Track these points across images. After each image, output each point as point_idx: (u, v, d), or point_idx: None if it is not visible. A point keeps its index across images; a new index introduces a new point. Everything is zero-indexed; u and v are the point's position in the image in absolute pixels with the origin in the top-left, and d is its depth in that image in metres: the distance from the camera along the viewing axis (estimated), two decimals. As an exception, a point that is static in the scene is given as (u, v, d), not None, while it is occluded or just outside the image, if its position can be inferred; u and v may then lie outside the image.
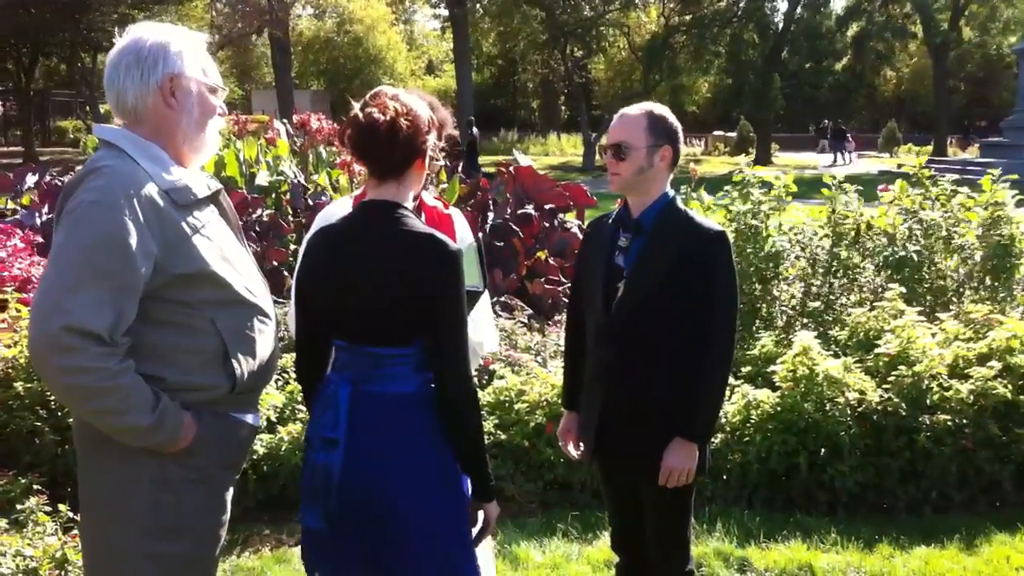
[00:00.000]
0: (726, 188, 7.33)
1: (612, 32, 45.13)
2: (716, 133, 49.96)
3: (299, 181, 9.18)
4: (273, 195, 9.22)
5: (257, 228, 8.11)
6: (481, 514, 2.88)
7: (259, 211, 8.42)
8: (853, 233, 7.20)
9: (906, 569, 4.66)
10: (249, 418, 2.87)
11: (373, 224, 2.77)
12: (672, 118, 3.40)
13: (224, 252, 2.76)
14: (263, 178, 9.65)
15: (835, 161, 40.80)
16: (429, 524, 2.73)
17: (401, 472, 2.71)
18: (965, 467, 5.49)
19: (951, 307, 6.87)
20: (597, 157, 37.14)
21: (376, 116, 2.69)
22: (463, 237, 3.58)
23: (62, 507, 4.62)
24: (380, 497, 2.70)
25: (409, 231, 2.73)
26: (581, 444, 3.61)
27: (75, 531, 4.52)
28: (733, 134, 47.57)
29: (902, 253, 6.92)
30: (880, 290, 6.87)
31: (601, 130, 40.41)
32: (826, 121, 46.65)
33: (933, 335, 6.01)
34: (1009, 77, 54.95)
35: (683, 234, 3.33)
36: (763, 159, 41.89)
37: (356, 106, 2.79)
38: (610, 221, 3.52)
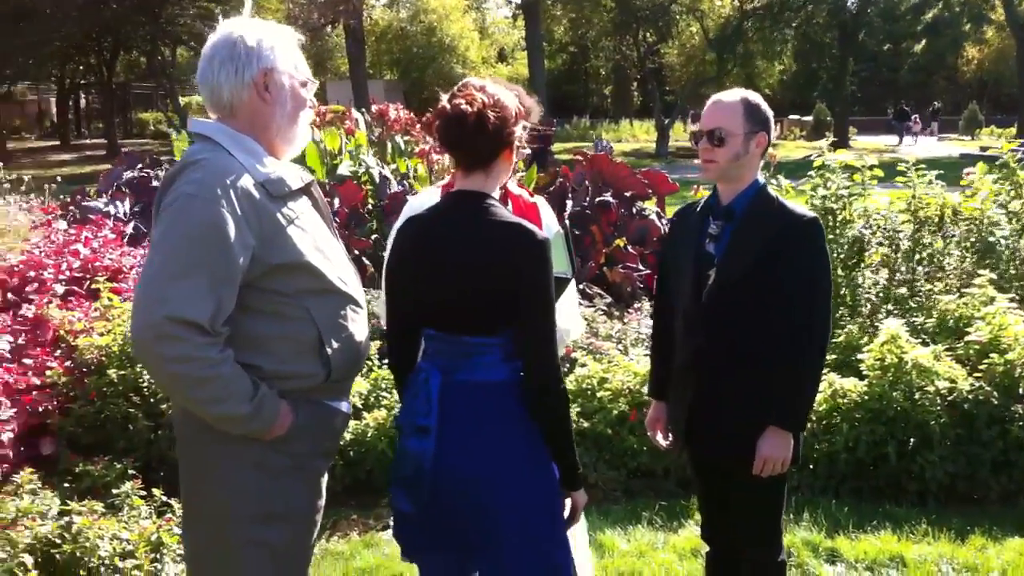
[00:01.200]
0: (809, 173, 7.23)
1: (685, 17, 44.70)
2: (791, 117, 49.26)
3: (382, 172, 9.23)
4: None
5: (338, 218, 8.19)
6: (569, 502, 2.89)
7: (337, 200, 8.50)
8: (937, 218, 7.05)
9: (1000, 561, 4.57)
10: (343, 406, 2.92)
11: (462, 214, 2.79)
12: (765, 105, 3.37)
13: (318, 242, 2.80)
14: (345, 168, 9.73)
15: (900, 143, 40.06)
16: (521, 512, 2.74)
17: (493, 460, 2.73)
18: (1061, 458, 5.37)
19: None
20: (673, 142, 36.92)
21: (464, 107, 2.71)
22: (549, 225, 3.59)
23: (156, 491, 4.74)
24: (472, 485, 2.73)
25: (498, 220, 2.74)
26: (670, 434, 3.60)
27: (169, 515, 4.63)
28: (809, 118, 46.92)
29: (991, 239, 6.77)
30: (966, 277, 6.73)
31: (674, 116, 40.11)
32: (902, 103, 45.80)
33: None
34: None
35: (776, 221, 3.29)
36: (841, 143, 41.20)
37: (444, 98, 2.81)
38: (698, 209, 3.49)
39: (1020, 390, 5.48)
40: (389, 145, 10.47)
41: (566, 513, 2.89)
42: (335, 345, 2.77)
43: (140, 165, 11.39)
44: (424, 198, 3.68)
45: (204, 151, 2.70)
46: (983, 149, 32.22)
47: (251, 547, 2.73)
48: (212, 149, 2.71)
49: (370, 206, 9.17)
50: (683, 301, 3.43)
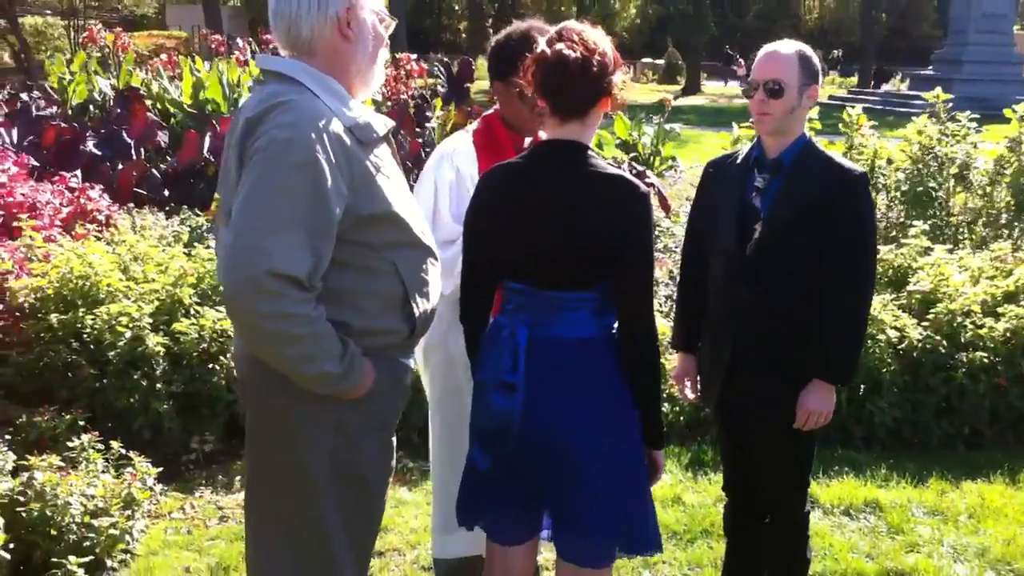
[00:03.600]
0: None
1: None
2: (644, 60, 49.89)
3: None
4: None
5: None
6: (652, 460, 2.85)
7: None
8: (868, 168, 7.24)
9: (966, 504, 4.76)
10: (411, 362, 2.79)
11: (560, 164, 2.67)
12: (816, 57, 3.34)
13: (402, 192, 2.64)
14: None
15: (726, 86, 40.97)
16: (607, 468, 2.70)
17: (581, 417, 2.67)
18: (997, 403, 5.61)
19: (961, 243, 6.99)
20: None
21: (566, 52, 2.58)
22: None
23: (115, 444, 4.48)
24: (560, 441, 2.67)
25: (600, 172, 2.64)
26: (699, 386, 3.59)
27: (130, 469, 4.39)
28: (661, 61, 47.55)
29: (919, 188, 6.98)
30: (898, 229, 6.95)
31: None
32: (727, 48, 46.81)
33: (960, 272, 6.10)
34: (930, 9, 56.00)
35: (826, 175, 3.26)
36: (692, 88, 42.06)
37: (541, 42, 2.68)
38: (737, 161, 3.44)
39: (962, 338, 5.69)
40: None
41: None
42: (419, 299, 2.63)
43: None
44: (456, 144, 3.53)
45: (290, 92, 2.48)
46: (829, 97, 33.61)
47: (327, 507, 2.60)
48: (296, 90, 2.49)
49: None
50: (724, 253, 3.38)
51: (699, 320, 3.55)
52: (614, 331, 2.73)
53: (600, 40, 2.66)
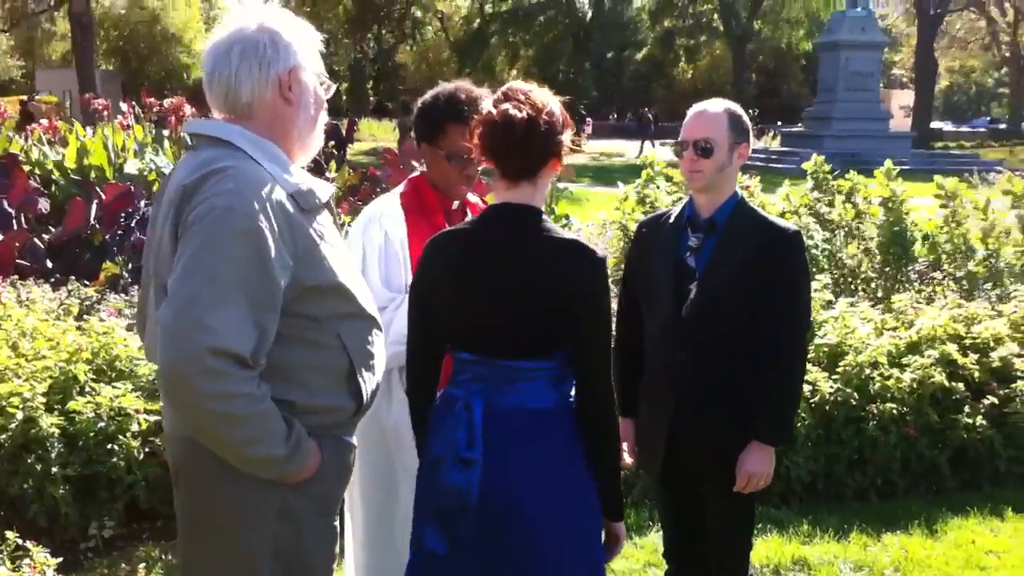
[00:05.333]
0: (636, 180, 7.40)
1: (428, 16, 44.93)
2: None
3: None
4: (155, 186, 8.65)
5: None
6: (612, 532, 2.76)
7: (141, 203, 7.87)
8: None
9: (889, 558, 4.77)
10: (354, 440, 2.65)
11: (512, 229, 2.58)
12: (745, 116, 3.34)
13: (345, 261, 2.52)
14: (132, 167, 9.03)
15: (641, 151, 41.80)
16: (569, 544, 2.60)
17: (541, 491, 2.56)
18: (908, 453, 5.68)
19: (857, 296, 7.13)
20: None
21: (512, 113, 2.51)
22: None
23: (10, 534, 4.18)
24: (519, 516, 2.55)
25: (554, 237, 2.56)
26: (638, 451, 3.51)
27: (28, 560, 4.09)
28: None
29: (811, 244, 7.14)
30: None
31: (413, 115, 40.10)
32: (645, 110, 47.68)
33: (863, 324, 6.19)
34: (797, 69, 58.19)
35: (759, 233, 3.26)
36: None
37: (486, 103, 2.60)
38: (670, 221, 3.41)
39: (871, 390, 5.75)
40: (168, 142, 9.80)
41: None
42: (365, 375, 2.50)
43: None
44: (383, 207, 3.42)
45: (226, 157, 2.35)
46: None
47: None
48: (234, 155, 2.36)
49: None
50: (660, 315, 3.34)
51: (636, 383, 3.48)
52: (572, 400, 2.63)
53: (548, 100, 2.59)
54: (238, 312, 2.18)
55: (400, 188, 3.51)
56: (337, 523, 2.62)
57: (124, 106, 11.22)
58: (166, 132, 10.66)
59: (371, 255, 3.33)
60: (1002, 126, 54.25)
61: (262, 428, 2.24)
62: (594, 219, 8.86)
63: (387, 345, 2.91)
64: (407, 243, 3.35)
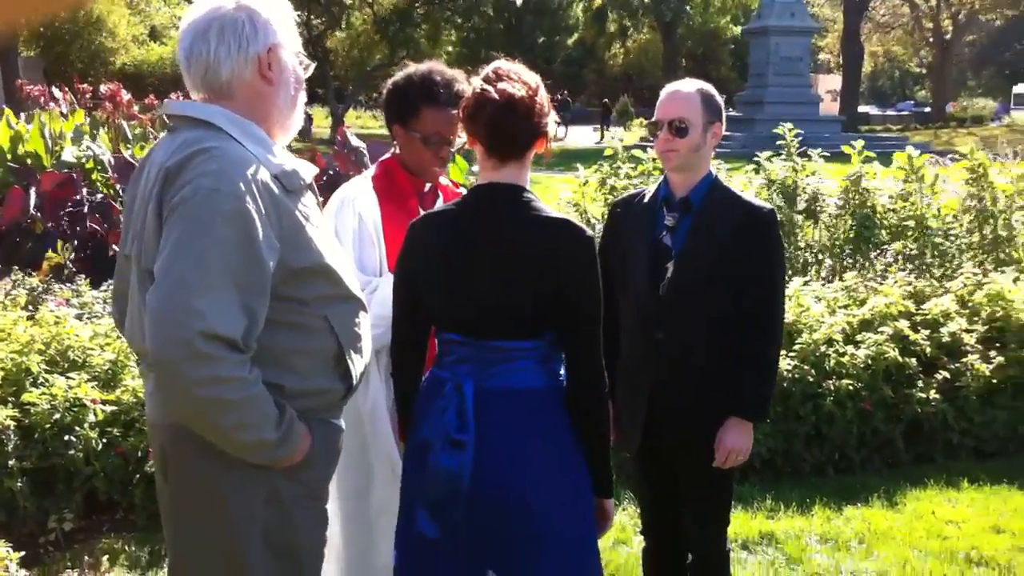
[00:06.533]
0: (600, 162, 7.38)
1: (356, 1, 44.48)
2: (458, 106, 50.17)
3: (122, 157, 8.43)
4: (94, 173, 8.44)
5: (96, 211, 7.40)
6: (602, 509, 2.75)
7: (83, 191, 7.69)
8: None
9: (852, 530, 4.85)
10: (342, 423, 2.61)
11: (501, 209, 2.55)
12: (718, 95, 3.35)
13: (330, 243, 2.48)
14: (69, 154, 8.81)
15: (602, 138, 41.82)
16: (562, 523, 2.58)
17: (534, 471, 2.55)
18: (863, 428, 5.77)
19: (810, 275, 7.22)
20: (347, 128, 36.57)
21: (511, 91, 2.49)
22: None
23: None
24: (514, 498, 2.53)
25: (543, 216, 2.53)
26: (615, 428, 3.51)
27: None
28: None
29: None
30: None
31: (347, 102, 39.76)
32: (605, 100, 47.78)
33: (817, 303, 6.28)
34: (726, 54, 58.70)
35: (734, 212, 3.27)
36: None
37: (476, 81, 2.56)
38: (645, 201, 3.41)
39: (827, 367, 5.83)
40: (128, 129, 9.58)
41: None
42: (354, 356, 2.46)
43: None
44: (354, 190, 3.36)
45: (208, 138, 2.29)
46: (642, 139, 34.65)
47: None
48: (217, 136, 2.30)
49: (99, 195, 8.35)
50: (636, 295, 3.34)
51: (612, 363, 3.47)
52: (561, 379, 2.62)
53: (536, 79, 2.58)
54: (227, 295, 2.13)
55: (371, 171, 3.46)
56: (327, 508, 2.58)
57: (59, 93, 10.91)
58: (101, 118, 10.42)
59: (344, 238, 3.27)
60: (926, 109, 55.27)
61: (253, 413, 2.20)
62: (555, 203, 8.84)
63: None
64: (380, 225, 3.30)
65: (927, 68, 59.28)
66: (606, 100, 47.32)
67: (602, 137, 40.74)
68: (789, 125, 7.69)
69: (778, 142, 7.82)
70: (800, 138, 7.86)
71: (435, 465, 2.55)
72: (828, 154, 8.01)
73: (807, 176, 7.67)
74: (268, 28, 2.38)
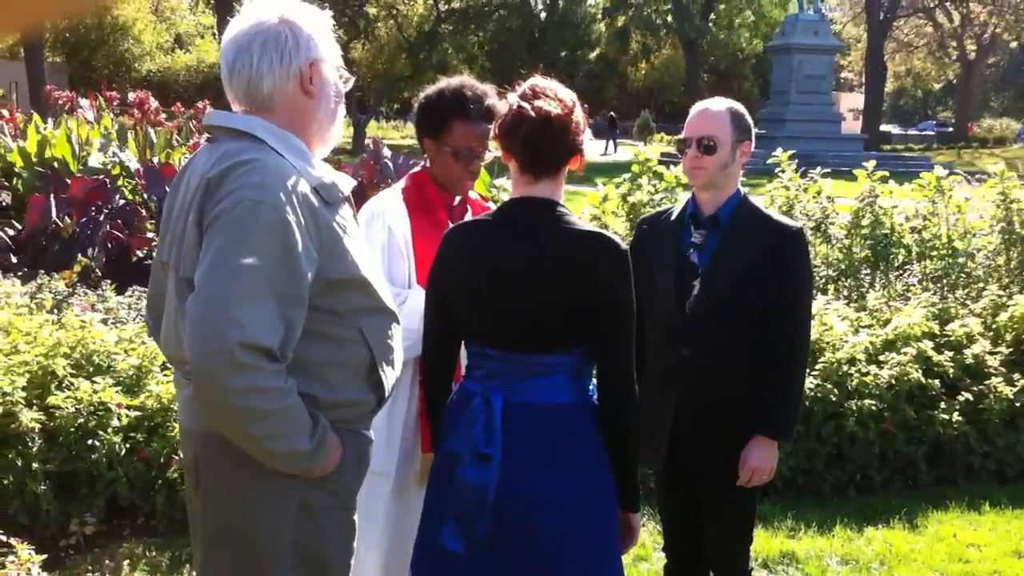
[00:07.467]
0: (624, 176, 7.38)
1: (381, 13, 44.69)
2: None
3: (151, 164, 8.49)
4: (120, 180, 8.50)
5: (119, 216, 7.45)
6: (628, 523, 2.75)
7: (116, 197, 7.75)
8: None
9: (873, 551, 4.83)
10: (371, 433, 2.62)
11: (534, 223, 2.56)
12: (747, 114, 3.35)
13: (367, 255, 2.49)
14: (96, 160, 8.88)
15: (606, 150, 41.86)
16: (588, 538, 2.59)
17: (561, 486, 2.55)
18: (885, 449, 5.75)
19: (827, 295, 7.20)
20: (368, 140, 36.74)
21: (548, 109, 2.50)
22: None
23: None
24: (539, 513, 2.53)
25: (576, 229, 2.54)
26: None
27: (12, 557, 4.01)
28: (497, 120, 48.00)
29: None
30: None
31: (369, 114, 39.92)
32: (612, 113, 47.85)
33: (840, 322, 6.26)
34: (748, 70, 58.69)
35: (762, 230, 3.28)
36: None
37: (512, 97, 2.58)
38: (672, 218, 3.42)
39: (849, 386, 5.81)
40: (155, 136, 9.65)
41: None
42: (386, 368, 2.48)
43: None
44: (385, 203, 3.38)
45: (249, 149, 2.31)
46: (663, 155, 34.67)
47: None
48: (258, 148, 2.32)
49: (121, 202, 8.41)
50: (663, 312, 3.34)
51: (638, 379, 3.47)
52: (590, 394, 2.63)
53: (572, 96, 2.60)
54: (267, 306, 2.15)
55: (401, 184, 3.48)
56: (356, 518, 2.59)
57: (87, 99, 11.01)
58: (128, 125, 10.50)
59: (374, 251, 3.29)
60: (948, 129, 55.12)
61: (288, 423, 2.21)
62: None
63: None
64: (410, 238, 3.32)
65: (950, 88, 59.07)
66: (612, 113, 47.30)
67: (605, 150, 40.81)
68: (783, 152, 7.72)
69: (777, 168, 7.84)
70: (809, 157, 7.86)
71: (462, 478, 2.55)
72: (845, 170, 8.00)
73: (814, 194, 7.66)
74: (311, 43, 2.40)
